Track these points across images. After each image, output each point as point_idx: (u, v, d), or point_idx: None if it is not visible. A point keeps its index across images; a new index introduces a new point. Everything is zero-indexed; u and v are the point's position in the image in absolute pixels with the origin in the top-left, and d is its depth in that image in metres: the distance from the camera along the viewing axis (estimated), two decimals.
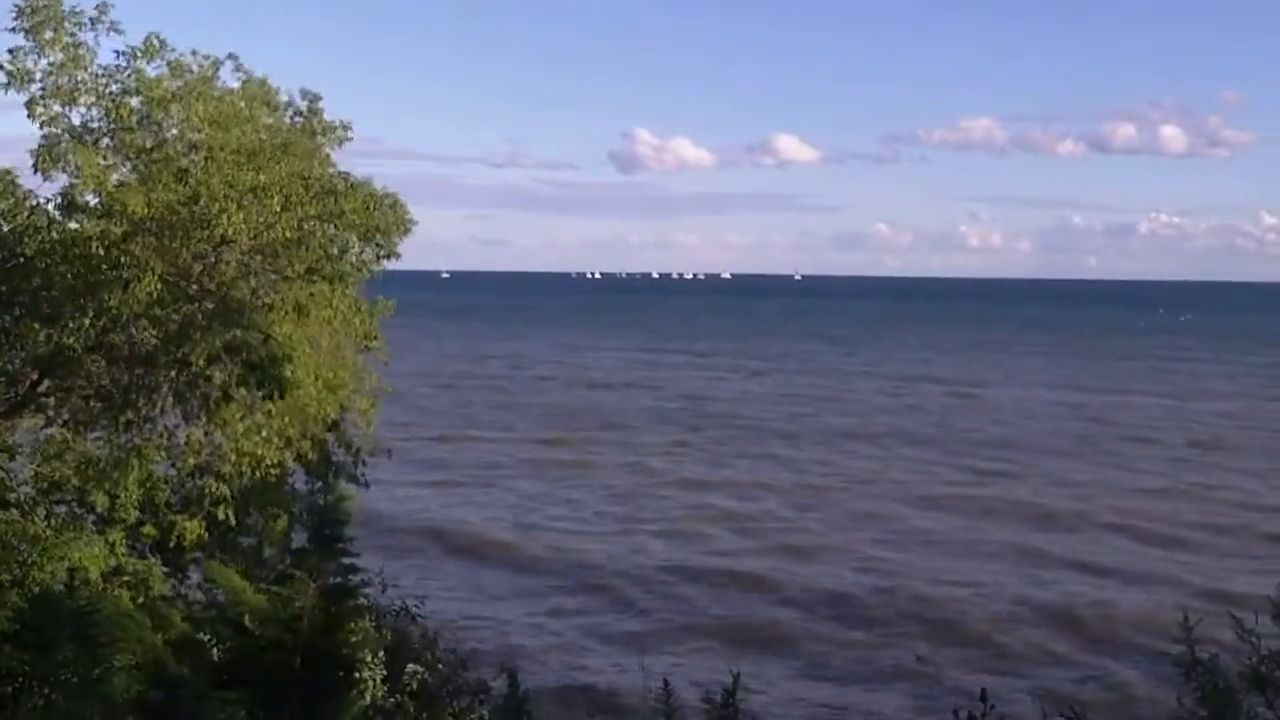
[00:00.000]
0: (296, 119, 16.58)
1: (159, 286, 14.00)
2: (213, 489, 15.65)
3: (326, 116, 16.88)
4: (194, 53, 15.52)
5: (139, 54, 15.00)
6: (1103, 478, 46.64)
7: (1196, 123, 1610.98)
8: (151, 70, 15.11)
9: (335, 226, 14.60)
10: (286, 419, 14.74)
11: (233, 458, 15.07)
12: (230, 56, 15.90)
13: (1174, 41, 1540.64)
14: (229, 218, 13.57)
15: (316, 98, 16.77)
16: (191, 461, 15.68)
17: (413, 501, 41.23)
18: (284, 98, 16.60)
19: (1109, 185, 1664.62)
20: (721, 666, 24.33)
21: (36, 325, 14.45)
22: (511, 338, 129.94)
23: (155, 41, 15.14)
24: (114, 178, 14.40)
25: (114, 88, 14.84)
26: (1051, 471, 47.92)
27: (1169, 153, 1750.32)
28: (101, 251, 13.95)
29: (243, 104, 15.61)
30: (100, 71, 14.90)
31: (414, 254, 16.49)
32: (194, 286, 14.62)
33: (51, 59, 14.76)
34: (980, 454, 52.28)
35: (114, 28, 15.04)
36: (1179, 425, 62.26)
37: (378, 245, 15.39)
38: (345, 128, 16.87)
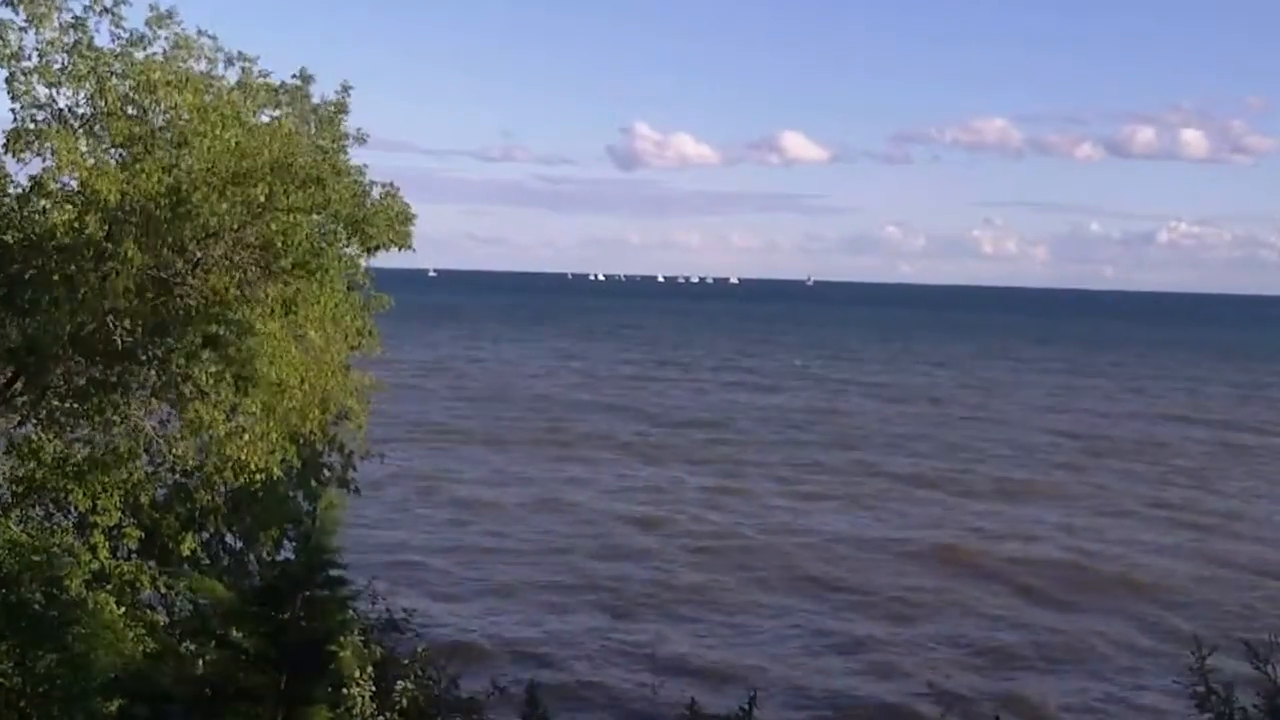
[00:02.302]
0: (287, 107, 16.11)
1: (139, 280, 13.61)
2: (204, 501, 15.29)
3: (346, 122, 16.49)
4: (200, 32, 15.17)
5: (153, 22, 14.65)
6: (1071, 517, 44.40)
7: (1219, 127, 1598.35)
8: (159, 45, 14.75)
9: (321, 216, 14.18)
10: (271, 423, 14.33)
11: (216, 462, 14.66)
12: (240, 56, 15.61)
13: (1194, 41, 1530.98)
14: (211, 207, 13.14)
15: (342, 107, 16.35)
16: (180, 458, 15.32)
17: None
18: (286, 93, 16.16)
19: (1127, 191, 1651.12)
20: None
21: (10, 319, 14.04)
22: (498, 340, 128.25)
23: (161, 13, 14.78)
24: (91, 162, 13.92)
25: (102, 69, 14.35)
26: (1026, 512, 45.66)
27: (1190, 158, 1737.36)
28: (72, 238, 13.51)
29: (236, 97, 15.22)
30: (94, 56, 14.51)
31: (402, 251, 16.04)
32: (175, 280, 14.20)
33: (43, 36, 14.40)
34: (960, 490, 49.28)
35: (114, 18, 14.74)
36: (1168, 454, 59.47)
37: (368, 237, 14.96)
38: (361, 138, 16.46)
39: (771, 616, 31.41)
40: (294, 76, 15.85)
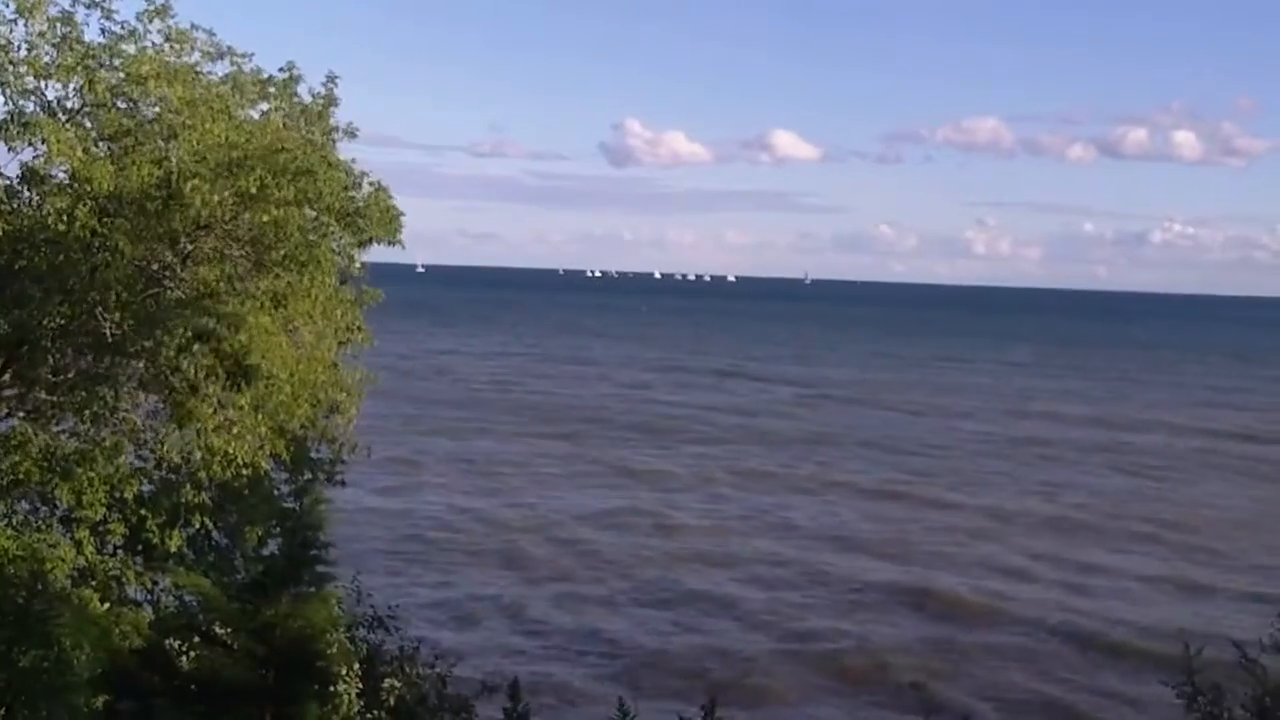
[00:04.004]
0: (277, 101, 16.01)
1: (129, 272, 13.54)
2: (190, 496, 15.18)
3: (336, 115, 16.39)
4: (193, 26, 15.08)
5: (147, 16, 14.57)
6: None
7: (1210, 128, 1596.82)
8: (155, 35, 14.69)
9: (313, 209, 14.12)
10: (259, 415, 14.25)
11: (204, 455, 14.58)
12: (231, 50, 15.53)
13: (1184, 43, 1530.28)
14: (202, 198, 13.07)
15: (332, 100, 16.26)
16: (166, 452, 15.22)
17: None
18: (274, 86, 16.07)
19: (1120, 191, 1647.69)
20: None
21: None
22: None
23: (155, 7, 14.70)
24: (80, 152, 13.85)
25: (90, 62, 14.25)
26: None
27: (1182, 159, 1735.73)
28: (63, 227, 13.43)
29: (227, 89, 15.15)
30: (84, 49, 14.45)
31: (392, 247, 15.99)
32: (166, 273, 14.13)
33: (33, 28, 14.31)
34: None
35: (104, 11, 14.68)
36: (1120, 464, 56.81)
37: (358, 230, 14.90)
38: (351, 132, 16.38)
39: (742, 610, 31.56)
40: (281, 70, 15.78)
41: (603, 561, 36.51)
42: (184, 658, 14.26)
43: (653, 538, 40.09)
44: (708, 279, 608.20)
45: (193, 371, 14.04)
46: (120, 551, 15.29)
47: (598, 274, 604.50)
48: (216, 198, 13.28)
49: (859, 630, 30.41)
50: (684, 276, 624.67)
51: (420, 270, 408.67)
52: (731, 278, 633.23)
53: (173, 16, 14.83)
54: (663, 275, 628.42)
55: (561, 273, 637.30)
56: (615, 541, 39.10)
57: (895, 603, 32.93)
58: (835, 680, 27.23)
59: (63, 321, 14.07)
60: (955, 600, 33.18)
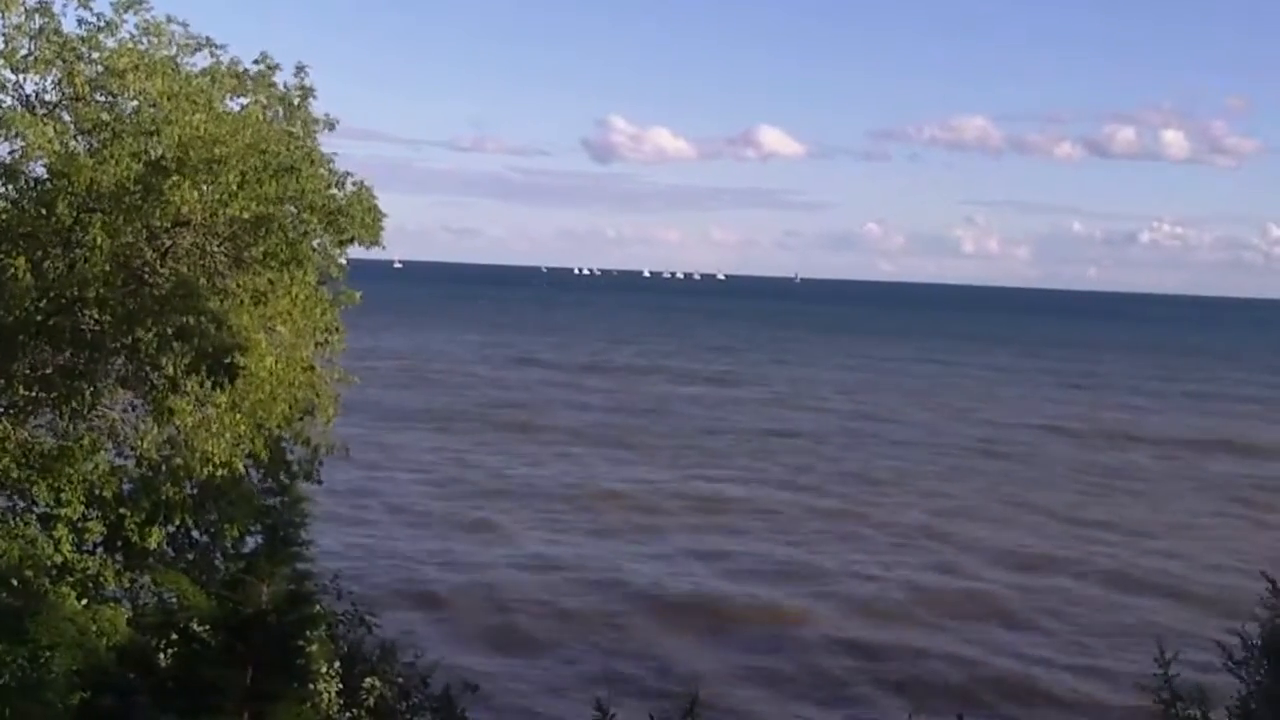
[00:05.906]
0: (255, 94, 15.91)
1: (108, 267, 13.47)
2: (169, 494, 15.13)
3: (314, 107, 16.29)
4: (169, 19, 15.03)
5: (122, 6, 14.52)
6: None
7: (1199, 127, 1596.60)
8: (130, 27, 14.64)
9: (295, 207, 14.06)
10: (238, 415, 14.20)
11: (185, 454, 14.52)
12: (209, 42, 15.45)
13: (1172, 40, 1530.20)
14: (182, 194, 13.01)
15: (308, 92, 16.16)
16: (145, 450, 15.16)
17: None
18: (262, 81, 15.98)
19: (1109, 191, 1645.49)
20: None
21: None
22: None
23: None
24: (58, 147, 13.77)
25: (69, 55, 14.19)
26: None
27: (1171, 158, 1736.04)
28: (40, 224, 13.39)
29: (207, 82, 15.08)
30: (62, 40, 14.37)
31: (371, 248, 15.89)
32: (146, 269, 14.06)
33: (9, 21, 14.22)
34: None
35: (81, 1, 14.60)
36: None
37: (340, 229, 14.84)
38: (330, 124, 16.29)
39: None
40: (256, 62, 15.69)
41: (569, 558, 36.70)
42: (162, 655, 14.21)
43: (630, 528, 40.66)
44: (697, 277, 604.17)
45: (172, 368, 13.97)
46: (99, 549, 15.22)
47: (585, 272, 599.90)
48: (196, 194, 13.21)
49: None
50: (673, 274, 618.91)
51: (398, 266, 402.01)
52: (721, 276, 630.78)
53: (149, 10, 14.78)
54: (651, 273, 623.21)
55: (545, 270, 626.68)
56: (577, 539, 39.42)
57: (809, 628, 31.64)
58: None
59: (41, 317, 13.98)
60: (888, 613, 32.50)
